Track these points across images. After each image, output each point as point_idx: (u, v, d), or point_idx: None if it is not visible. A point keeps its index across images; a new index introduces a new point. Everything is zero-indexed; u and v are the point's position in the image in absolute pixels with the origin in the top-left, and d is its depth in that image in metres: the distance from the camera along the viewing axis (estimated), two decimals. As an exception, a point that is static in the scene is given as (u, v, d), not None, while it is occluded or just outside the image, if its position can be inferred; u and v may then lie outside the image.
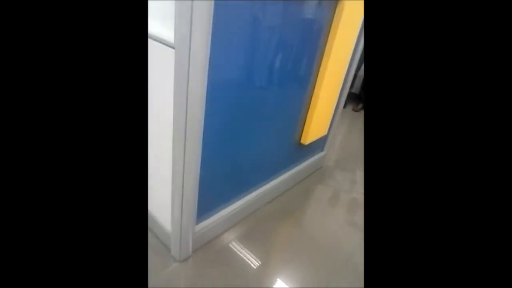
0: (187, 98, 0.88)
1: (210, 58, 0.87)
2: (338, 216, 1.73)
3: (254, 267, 1.32)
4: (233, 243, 1.41)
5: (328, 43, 1.38)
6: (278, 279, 1.28)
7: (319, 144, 1.93)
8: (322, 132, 1.81)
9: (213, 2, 0.79)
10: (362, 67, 3.27)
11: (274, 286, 1.25)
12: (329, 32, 1.36)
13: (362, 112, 3.51)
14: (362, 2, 1.40)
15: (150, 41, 0.94)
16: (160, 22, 0.91)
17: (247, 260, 1.34)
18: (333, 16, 1.32)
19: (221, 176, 1.28)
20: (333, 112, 1.81)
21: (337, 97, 1.76)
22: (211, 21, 0.81)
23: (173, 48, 0.85)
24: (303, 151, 1.79)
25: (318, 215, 1.71)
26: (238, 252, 1.37)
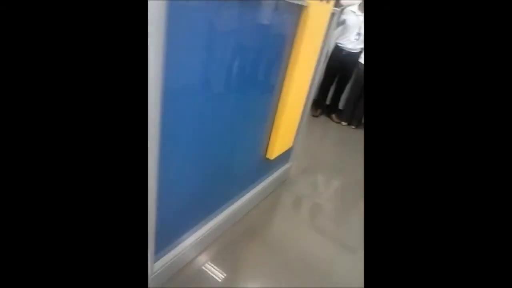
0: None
1: (165, 68, 0.72)
2: (307, 227, 1.65)
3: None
4: (202, 271, 1.25)
5: (294, 51, 1.29)
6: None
7: (285, 156, 1.84)
8: (288, 144, 1.72)
9: (165, 2, 0.64)
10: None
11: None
12: (294, 39, 1.27)
13: (321, 117, 3.53)
14: (327, 8, 1.34)
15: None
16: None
17: (215, 294, 1.19)
18: (298, 22, 1.23)
19: (183, 202, 1.12)
20: (298, 123, 1.73)
21: (303, 107, 1.68)
22: (164, 25, 0.66)
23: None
24: (268, 165, 1.68)
25: (288, 229, 1.61)
26: (208, 281, 1.21)
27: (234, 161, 1.34)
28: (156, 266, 1.08)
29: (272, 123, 1.47)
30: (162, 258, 1.12)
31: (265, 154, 1.55)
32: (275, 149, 1.52)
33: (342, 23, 3.04)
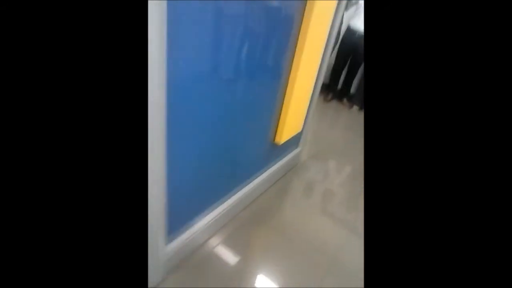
0: (144, 106, 0.73)
1: (168, 52, 0.72)
2: (319, 212, 1.67)
3: (237, 279, 1.21)
4: (212, 255, 1.29)
5: (301, 33, 1.27)
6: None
7: (294, 140, 1.84)
8: (297, 128, 1.71)
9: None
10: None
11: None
12: (302, 21, 1.25)
13: (332, 102, 3.49)
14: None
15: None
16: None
17: (229, 272, 1.23)
18: (305, 4, 1.21)
19: (192, 186, 1.15)
20: (307, 107, 1.72)
21: (312, 91, 1.66)
22: (165, 8, 0.66)
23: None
24: (277, 150, 1.68)
25: (298, 214, 1.63)
26: (218, 265, 1.25)
27: (243, 146, 1.35)
28: (168, 248, 1.12)
29: (281, 108, 1.46)
30: (175, 240, 1.16)
31: (274, 139, 1.56)
32: (284, 134, 1.52)
33: (354, 3, 2.96)
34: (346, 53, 3.18)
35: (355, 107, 3.37)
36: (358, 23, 2.98)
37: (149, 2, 0.61)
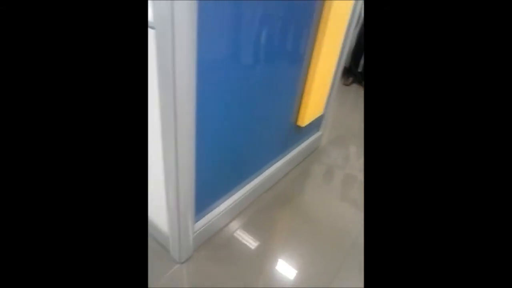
0: (174, 86, 0.75)
1: (197, 38, 0.74)
2: (339, 196, 1.67)
3: (259, 260, 1.25)
4: (235, 236, 1.33)
5: (323, 16, 1.25)
6: (285, 272, 1.22)
7: (316, 124, 1.84)
8: (319, 111, 1.70)
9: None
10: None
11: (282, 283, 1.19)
12: (324, 3, 1.23)
13: (353, 86, 3.42)
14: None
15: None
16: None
17: (251, 254, 1.27)
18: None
19: (218, 168, 1.18)
20: (329, 89, 1.70)
21: (333, 73, 1.65)
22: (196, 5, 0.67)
23: (153, 28, 0.71)
24: (299, 133, 1.69)
25: (319, 198, 1.64)
26: (241, 246, 1.29)
27: (265, 129, 1.37)
28: (196, 227, 1.17)
29: (303, 90, 1.46)
30: (200, 221, 1.21)
31: (296, 122, 1.56)
32: (306, 116, 1.52)
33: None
34: (367, 35, 3.08)
35: (376, 91, 3.29)
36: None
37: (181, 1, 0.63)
